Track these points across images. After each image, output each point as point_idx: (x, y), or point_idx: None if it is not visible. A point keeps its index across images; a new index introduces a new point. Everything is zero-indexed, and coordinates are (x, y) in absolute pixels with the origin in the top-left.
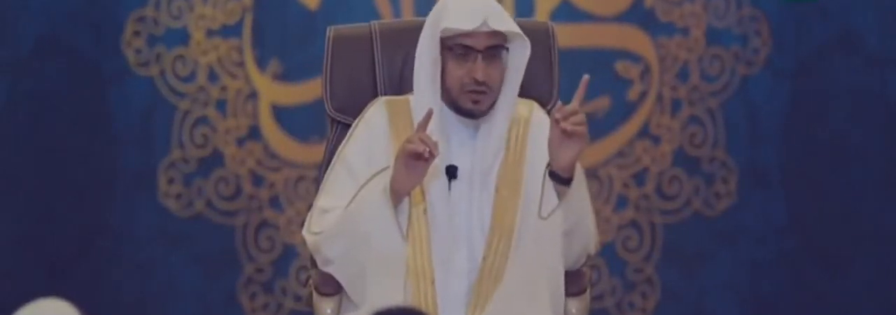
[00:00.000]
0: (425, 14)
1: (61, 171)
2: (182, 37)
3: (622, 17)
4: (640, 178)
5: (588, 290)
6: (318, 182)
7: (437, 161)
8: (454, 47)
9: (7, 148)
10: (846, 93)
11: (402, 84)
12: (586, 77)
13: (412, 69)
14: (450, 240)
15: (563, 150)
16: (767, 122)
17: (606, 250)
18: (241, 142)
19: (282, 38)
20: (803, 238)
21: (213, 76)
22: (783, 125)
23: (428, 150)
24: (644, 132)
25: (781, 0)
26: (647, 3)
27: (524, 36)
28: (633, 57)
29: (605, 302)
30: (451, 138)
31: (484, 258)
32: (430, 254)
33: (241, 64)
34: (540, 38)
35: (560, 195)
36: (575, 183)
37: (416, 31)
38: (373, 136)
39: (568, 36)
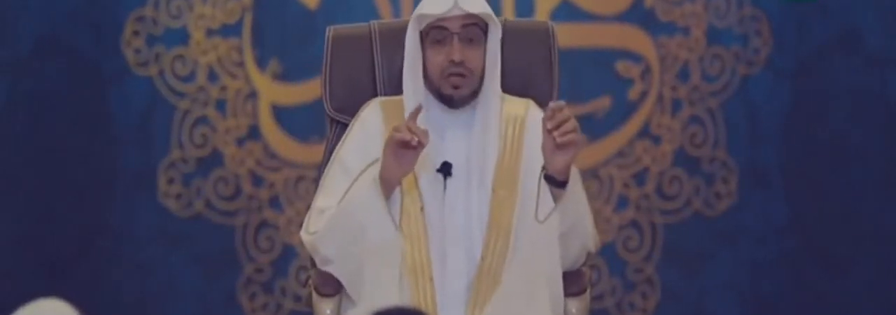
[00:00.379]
0: None
1: (61, 171)
2: (182, 36)
3: (622, 17)
4: (640, 178)
5: (588, 291)
6: (317, 182)
7: (431, 157)
8: (430, 32)
9: (7, 148)
10: (846, 93)
11: (401, 84)
12: (560, 103)
13: None
14: (446, 237)
15: (557, 156)
16: (768, 121)
17: (607, 250)
18: (240, 142)
19: (281, 38)
20: (804, 238)
21: (212, 76)
22: (783, 125)
23: (416, 138)
24: (644, 132)
25: (782, 0)
26: (647, 3)
27: (495, 18)
28: (634, 57)
29: (605, 302)
30: (445, 134)
31: (482, 258)
32: (427, 251)
33: (241, 64)
34: (540, 38)
35: (556, 198)
36: (570, 185)
37: None
38: (368, 136)
39: (568, 36)
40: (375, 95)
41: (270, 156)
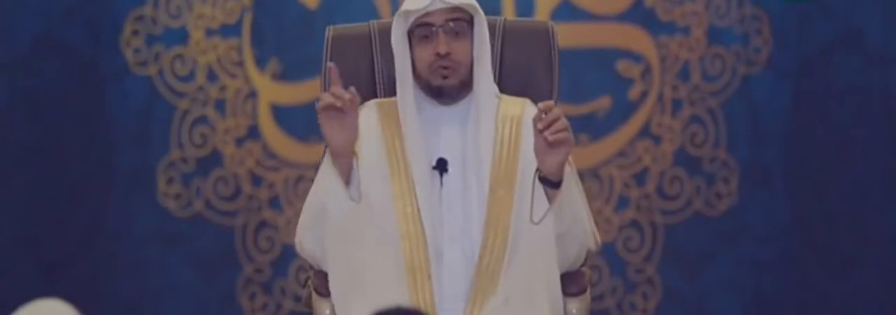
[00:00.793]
0: None
1: (60, 170)
2: (181, 36)
3: (623, 17)
4: (640, 178)
5: (588, 291)
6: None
7: (426, 154)
8: (416, 30)
9: (5, 148)
10: (848, 92)
11: None
12: (549, 103)
13: None
14: (443, 235)
15: (549, 156)
16: (769, 121)
17: (607, 250)
18: (240, 141)
19: (281, 38)
20: (805, 238)
21: (212, 76)
22: (784, 125)
23: (339, 100)
24: (645, 132)
25: None
26: (647, 3)
27: (477, 8)
28: (634, 56)
29: (605, 302)
30: (440, 130)
31: (480, 258)
32: (425, 249)
33: (241, 63)
34: (540, 38)
35: (551, 199)
36: (564, 186)
37: None
38: (365, 137)
39: (568, 35)
40: (375, 95)
41: (270, 156)
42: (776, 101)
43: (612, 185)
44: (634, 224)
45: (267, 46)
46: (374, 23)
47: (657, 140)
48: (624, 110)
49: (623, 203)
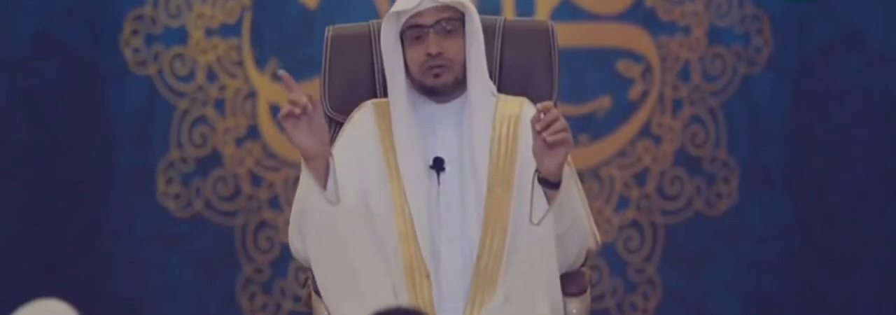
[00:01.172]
0: None
1: (59, 171)
2: (180, 36)
3: (623, 16)
4: (641, 178)
5: (588, 291)
6: None
7: (422, 153)
8: (407, 31)
9: (5, 147)
10: (848, 92)
11: None
12: (547, 103)
13: None
14: (441, 234)
15: (548, 157)
16: (769, 121)
17: (607, 250)
18: (239, 141)
19: (281, 38)
20: (806, 238)
21: (211, 75)
22: (785, 125)
23: (297, 107)
24: (645, 132)
25: None
26: (648, 2)
27: (467, 5)
28: (635, 56)
29: (605, 302)
30: (436, 129)
31: (478, 258)
32: (418, 248)
33: (240, 63)
34: (540, 38)
35: (550, 200)
36: (563, 186)
37: None
38: (361, 137)
39: (568, 35)
40: (374, 95)
41: (269, 156)
42: (776, 100)
43: (613, 185)
44: (635, 224)
45: (267, 46)
46: (373, 22)
47: (657, 140)
48: (624, 110)
49: (623, 203)
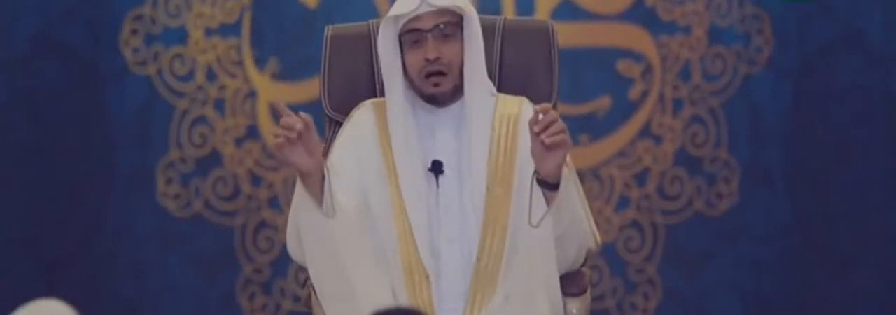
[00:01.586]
0: None
1: (59, 170)
2: (180, 36)
3: (623, 16)
4: (641, 178)
5: (588, 291)
6: None
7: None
8: (405, 35)
9: (4, 147)
10: (849, 92)
11: None
12: (545, 105)
13: None
14: (440, 236)
15: (547, 158)
16: (770, 121)
17: (608, 251)
18: (239, 141)
19: (280, 38)
20: (806, 238)
21: (211, 75)
22: (786, 125)
23: (291, 134)
24: (645, 132)
25: None
26: (648, 2)
27: (465, 9)
28: (635, 56)
29: (606, 302)
30: (435, 133)
31: (478, 259)
32: (416, 249)
33: (240, 63)
34: (540, 37)
35: (549, 201)
36: (562, 187)
37: None
38: (361, 137)
39: (569, 35)
40: (374, 95)
41: (269, 156)
42: (777, 100)
43: (613, 185)
44: (635, 224)
45: (266, 46)
46: (373, 22)
47: (658, 140)
48: (624, 110)
49: (623, 203)
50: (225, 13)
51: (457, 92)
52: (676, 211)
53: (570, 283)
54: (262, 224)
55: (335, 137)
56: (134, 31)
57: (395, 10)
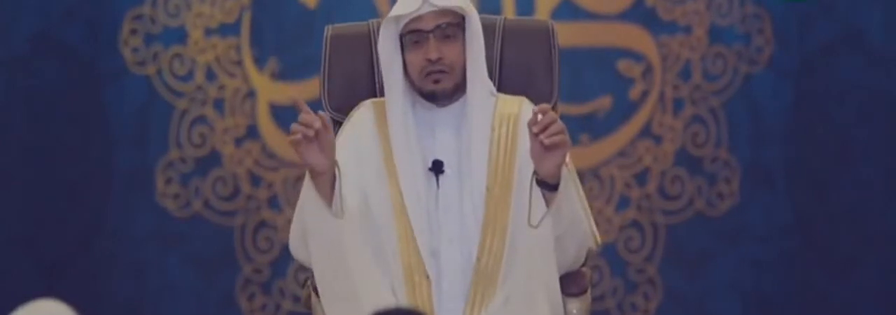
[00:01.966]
0: None
1: (58, 170)
2: (179, 35)
3: (624, 16)
4: (641, 177)
5: (589, 291)
6: None
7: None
8: (407, 35)
9: (3, 147)
10: (850, 91)
11: None
12: (544, 106)
13: None
14: (440, 236)
15: (546, 159)
16: (770, 121)
17: (608, 251)
18: (239, 141)
19: (280, 37)
20: (807, 238)
21: (210, 75)
22: (786, 124)
23: (309, 131)
24: (646, 132)
25: None
26: (648, 2)
27: (467, 10)
28: (635, 56)
29: (606, 303)
30: (435, 132)
31: (477, 259)
32: (416, 249)
33: (240, 63)
34: (540, 37)
35: (549, 202)
36: (562, 188)
37: None
38: (361, 136)
39: (569, 34)
40: (374, 95)
41: (269, 155)
42: (777, 100)
43: (613, 185)
44: (635, 224)
45: (266, 46)
46: (373, 22)
47: (658, 140)
48: (625, 110)
49: (624, 203)
50: (224, 13)
51: (457, 91)
52: (677, 211)
53: (570, 283)
54: (262, 224)
55: (335, 137)
56: (133, 31)
57: (396, 11)
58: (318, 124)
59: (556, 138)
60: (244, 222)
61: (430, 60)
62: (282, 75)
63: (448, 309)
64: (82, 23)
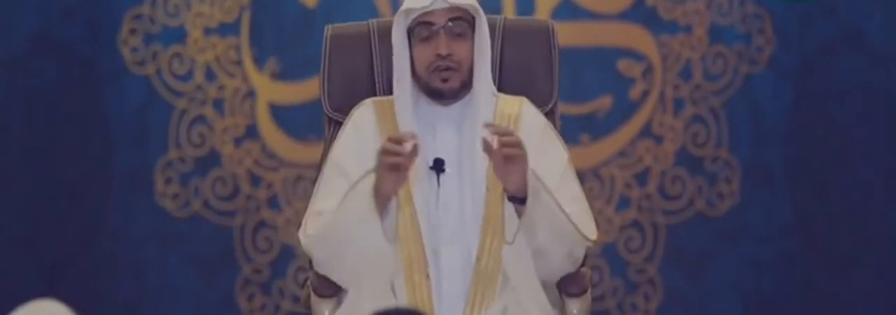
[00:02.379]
0: None
1: (57, 170)
2: (179, 35)
3: (624, 15)
4: (642, 177)
5: (589, 291)
6: (315, 182)
7: (423, 154)
8: (416, 28)
9: (4, 147)
10: (850, 91)
11: None
12: (488, 122)
13: None
14: (440, 235)
15: (509, 174)
16: (771, 121)
17: (608, 251)
18: (238, 141)
19: (280, 37)
20: (807, 238)
21: (210, 75)
22: (787, 124)
23: (406, 163)
24: (646, 131)
25: None
26: (649, 1)
27: (478, 9)
28: (636, 55)
29: (606, 303)
30: (437, 130)
31: (477, 259)
32: (422, 249)
33: (239, 62)
34: (540, 37)
35: (520, 215)
36: (530, 201)
37: None
38: (361, 136)
39: (569, 34)
40: (374, 95)
41: (268, 155)
42: (778, 100)
43: (613, 185)
44: (635, 224)
45: (266, 45)
46: (373, 21)
47: (658, 140)
48: (625, 110)
49: (624, 203)
50: (224, 12)
51: (462, 89)
52: (677, 211)
53: (570, 283)
54: (262, 224)
55: (335, 137)
56: (133, 31)
57: (408, 4)
58: (408, 150)
59: (512, 150)
60: (244, 222)
61: (439, 55)
62: (281, 75)
63: (448, 309)
64: (82, 23)
